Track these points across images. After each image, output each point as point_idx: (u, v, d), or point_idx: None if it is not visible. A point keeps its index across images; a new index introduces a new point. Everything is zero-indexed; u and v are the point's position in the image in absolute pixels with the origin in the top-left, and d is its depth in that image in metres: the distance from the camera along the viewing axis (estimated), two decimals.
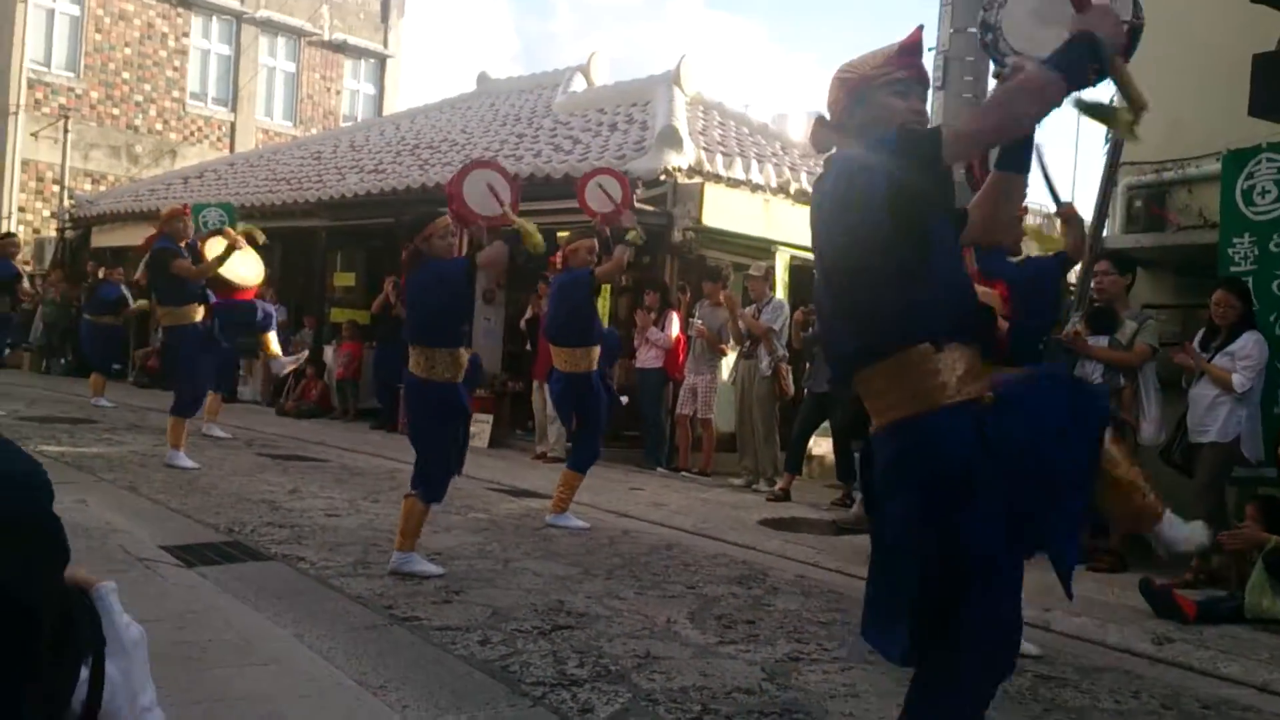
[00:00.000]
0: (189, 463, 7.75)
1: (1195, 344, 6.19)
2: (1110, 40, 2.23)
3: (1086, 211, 5.70)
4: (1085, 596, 5.45)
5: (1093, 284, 6.80)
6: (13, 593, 0.77)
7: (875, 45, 2.61)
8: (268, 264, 15.33)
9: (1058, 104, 2.23)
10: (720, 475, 9.53)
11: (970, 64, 7.31)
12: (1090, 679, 4.10)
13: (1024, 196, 2.51)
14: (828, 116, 2.55)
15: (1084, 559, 5.87)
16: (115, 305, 13.04)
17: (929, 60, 7.48)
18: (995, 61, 2.88)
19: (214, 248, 8.43)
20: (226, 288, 8.76)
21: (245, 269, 9.01)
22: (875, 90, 2.40)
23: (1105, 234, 7.76)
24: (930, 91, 7.44)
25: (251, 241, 8.89)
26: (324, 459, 9.04)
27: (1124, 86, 2.39)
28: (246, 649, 3.63)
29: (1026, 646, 4.64)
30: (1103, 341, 6.42)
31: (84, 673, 0.97)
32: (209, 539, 5.50)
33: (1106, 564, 6.03)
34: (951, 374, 2.28)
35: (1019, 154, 2.44)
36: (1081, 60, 2.22)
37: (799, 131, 14.38)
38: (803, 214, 10.82)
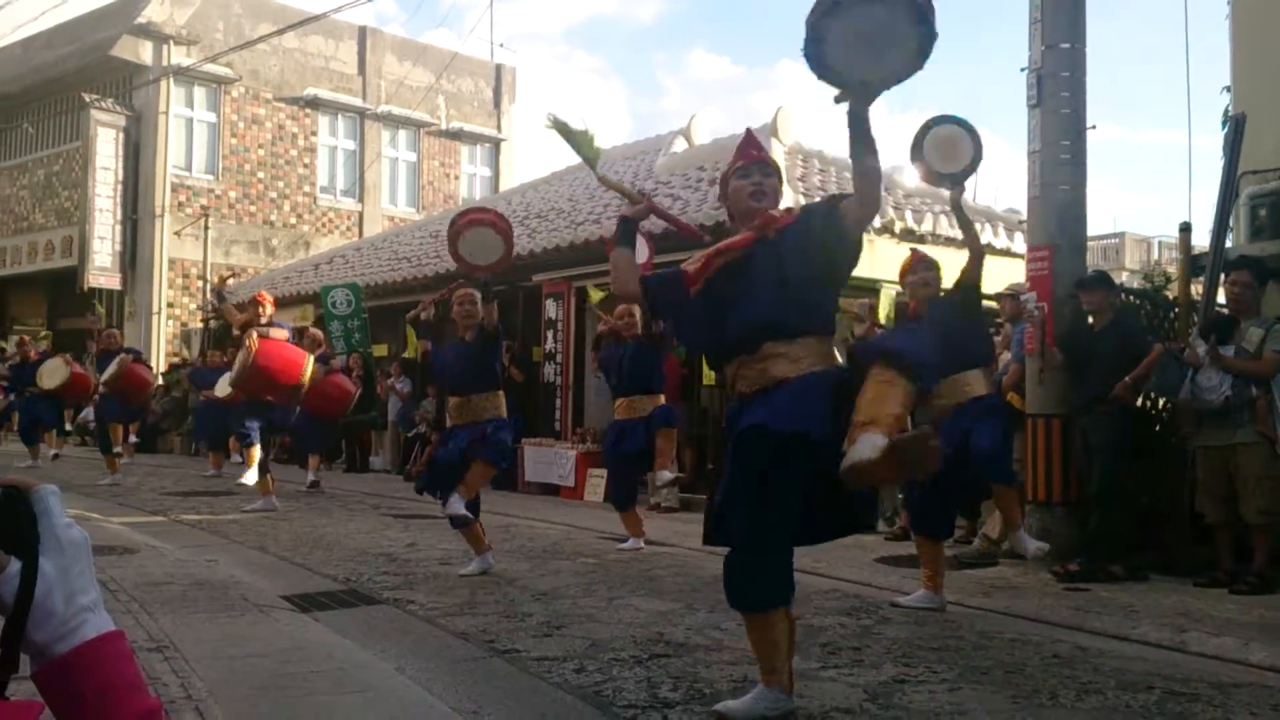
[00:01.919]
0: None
1: None
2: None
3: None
4: (1227, 618, 5.13)
5: (1228, 293, 6.47)
6: None
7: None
8: (393, 340, 16.02)
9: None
10: None
11: (1065, 79, 7.14)
12: (1226, 694, 3.82)
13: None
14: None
15: None
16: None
17: (1022, 79, 7.38)
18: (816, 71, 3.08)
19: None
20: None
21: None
22: (729, 180, 3.49)
23: (1230, 244, 7.43)
24: (1027, 109, 7.36)
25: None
26: (444, 517, 9.18)
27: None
28: (344, 679, 3.68)
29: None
30: (1227, 353, 6.09)
31: (15, 565, 0.98)
32: (326, 588, 5.65)
33: (1250, 586, 5.66)
34: None
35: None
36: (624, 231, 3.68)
37: (911, 180, 14.26)
38: (908, 252, 10.71)
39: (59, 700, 1.01)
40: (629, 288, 3.68)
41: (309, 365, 9.32)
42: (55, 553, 1.01)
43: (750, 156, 3.42)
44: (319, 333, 12.35)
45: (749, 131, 3.62)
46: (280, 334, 9.14)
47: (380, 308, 15.28)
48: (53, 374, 12.41)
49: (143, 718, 1.01)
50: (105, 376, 11.57)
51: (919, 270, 5.74)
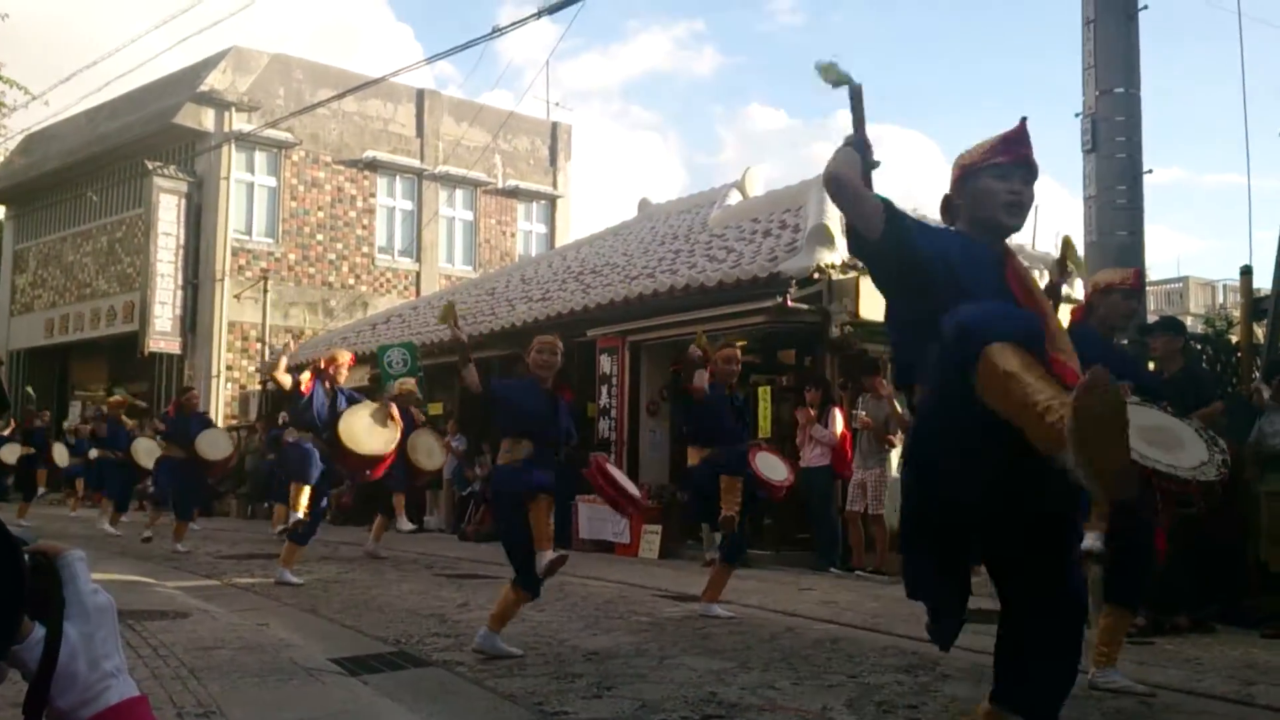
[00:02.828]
0: (295, 579, 8.19)
1: None
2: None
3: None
4: None
5: None
6: None
7: (1042, 159, 2.83)
8: (448, 398, 16.10)
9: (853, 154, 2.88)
10: (896, 573, 9.13)
11: (1120, 124, 7.07)
12: None
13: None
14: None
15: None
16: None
17: (1076, 124, 7.30)
18: None
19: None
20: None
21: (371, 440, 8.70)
22: (979, 174, 2.71)
23: None
24: (1082, 154, 7.28)
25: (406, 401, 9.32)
26: (498, 576, 9.16)
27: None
28: None
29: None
30: None
31: (39, 631, 0.97)
32: (376, 650, 5.62)
33: None
34: None
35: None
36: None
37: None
38: None
39: None
40: (855, 186, 2.78)
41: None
42: (80, 618, 1.03)
43: (1018, 154, 2.71)
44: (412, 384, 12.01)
45: (1023, 123, 2.79)
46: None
47: (436, 366, 15.41)
48: (150, 453, 12.32)
49: None
50: (216, 455, 11.24)
51: (1133, 298, 4.73)
